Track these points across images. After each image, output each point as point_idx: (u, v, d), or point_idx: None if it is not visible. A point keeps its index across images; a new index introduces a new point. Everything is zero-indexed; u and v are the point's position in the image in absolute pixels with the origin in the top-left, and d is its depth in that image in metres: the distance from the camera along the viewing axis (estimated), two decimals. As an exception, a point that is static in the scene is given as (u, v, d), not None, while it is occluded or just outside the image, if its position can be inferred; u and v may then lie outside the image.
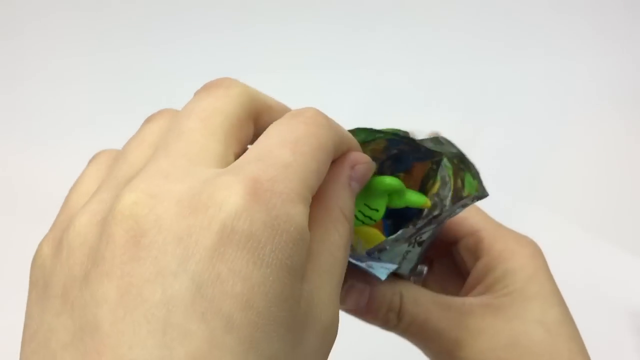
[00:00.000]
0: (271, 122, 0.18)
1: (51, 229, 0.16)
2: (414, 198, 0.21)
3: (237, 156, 0.17)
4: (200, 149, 0.16)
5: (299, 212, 0.14)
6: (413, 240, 0.24)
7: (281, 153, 0.15)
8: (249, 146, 0.18)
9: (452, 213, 0.23)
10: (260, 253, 0.13)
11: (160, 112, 0.19)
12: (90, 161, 0.19)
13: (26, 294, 0.59)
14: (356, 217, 0.22)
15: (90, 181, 0.18)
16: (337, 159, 0.19)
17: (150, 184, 0.14)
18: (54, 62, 0.91)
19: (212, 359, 0.13)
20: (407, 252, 0.25)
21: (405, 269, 0.25)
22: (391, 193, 0.21)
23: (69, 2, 0.90)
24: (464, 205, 0.23)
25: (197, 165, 0.15)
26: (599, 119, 0.91)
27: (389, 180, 0.20)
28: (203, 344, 0.13)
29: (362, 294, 0.26)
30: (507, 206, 0.77)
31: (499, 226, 0.28)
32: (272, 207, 0.14)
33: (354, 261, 0.23)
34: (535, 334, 0.24)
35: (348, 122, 0.80)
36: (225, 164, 0.16)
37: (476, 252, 0.27)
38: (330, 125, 0.17)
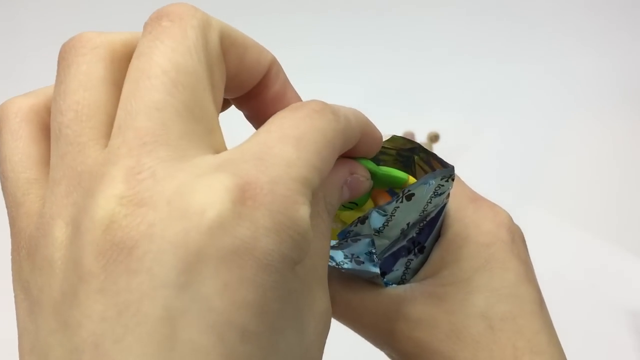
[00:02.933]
0: (243, 58, 0.16)
1: (15, 234, 0.15)
2: (396, 174, 0.20)
3: (220, 103, 0.16)
4: (179, 132, 0.14)
5: (302, 216, 0.13)
6: (413, 248, 0.24)
7: (283, 150, 0.14)
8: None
9: (431, 199, 0.22)
10: (268, 259, 0.13)
11: (75, 47, 0.15)
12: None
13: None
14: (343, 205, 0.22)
15: (20, 152, 0.15)
16: (344, 155, 0.19)
17: (131, 185, 0.13)
18: (53, 62, 0.91)
19: None
20: (410, 260, 0.24)
21: (409, 279, 0.25)
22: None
23: (69, 2, 0.90)
24: (440, 189, 0.22)
25: (182, 155, 0.13)
26: (599, 119, 0.91)
27: (369, 165, 0.20)
28: (218, 358, 0.12)
29: None
30: (507, 206, 0.77)
31: (470, 200, 0.25)
32: (275, 212, 0.13)
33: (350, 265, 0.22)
34: (475, 328, 0.22)
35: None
36: (211, 138, 0.14)
37: (441, 229, 0.25)
38: (339, 118, 0.16)
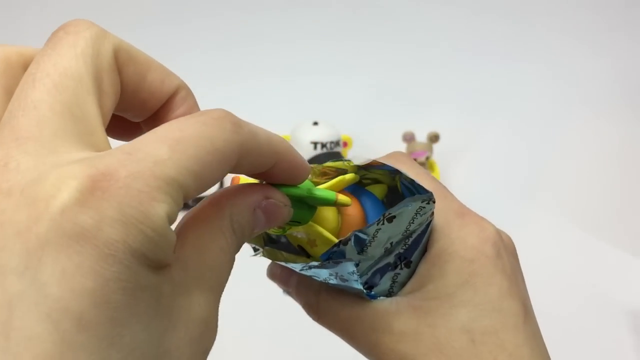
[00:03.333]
0: (144, 77, 0.17)
1: None
2: (322, 194, 0.21)
3: (109, 109, 0.16)
4: (53, 129, 0.14)
5: (158, 212, 0.13)
6: (399, 262, 0.24)
7: (156, 149, 0.14)
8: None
9: (413, 220, 0.23)
10: (111, 249, 0.13)
11: None
12: None
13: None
14: (283, 228, 0.23)
15: None
16: (264, 177, 0.19)
17: None
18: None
19: None
20: (397, 274, 0.25)
21: (397, 292, 0.25)
22: (301, 199, 0.21)
23: (70, 2, 0.90)
24: (421, 210, 0.23)
25: (52, 150, 0.14)
26: (599, 120, 0.91)
27: (292, 190, 0.20)
28: (52, 346, 0.12)
29: (289, 276, 0.27)
30: (507, 206, 0.77)
31: (457, 216, 0.25)
32: (125, 205, 0.13)
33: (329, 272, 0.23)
34: (457, 342, 0.23)
35: (348, 121, 0.80)
36: (92, 138, 0.15)
37: (427, 243, 0.25)
38: (239, 130, 0.16)
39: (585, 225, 0.76)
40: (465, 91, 0.95)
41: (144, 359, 0.13)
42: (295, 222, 0.22)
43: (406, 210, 0.22)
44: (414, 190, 0.24)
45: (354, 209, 0.24)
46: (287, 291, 0.28)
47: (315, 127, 0.77)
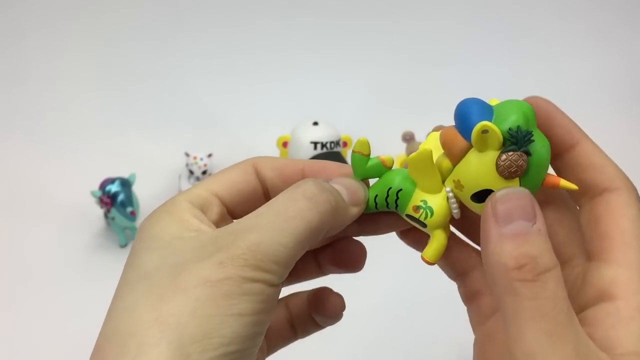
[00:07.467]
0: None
1: None
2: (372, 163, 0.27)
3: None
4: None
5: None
6: None
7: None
8: None
9: None
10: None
11: None
12: None
13: (23, 292, 0.58)
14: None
15: None
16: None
17: None
18: (54, 62, 0.91)
19: None
20: None
21: None
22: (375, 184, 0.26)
23: (70, 2, 0.90)
24: None
25: None
26: (599, 119, 0.91)
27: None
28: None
29: None
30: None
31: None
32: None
33: None
34: None
35: (348, 121, 0.79)
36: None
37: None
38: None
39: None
40: (465, 91, 0.95)
41: None
42: (414, 218, 0.25)
43: None
44: None
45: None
46: None
47: (315, 127, 0.77)
